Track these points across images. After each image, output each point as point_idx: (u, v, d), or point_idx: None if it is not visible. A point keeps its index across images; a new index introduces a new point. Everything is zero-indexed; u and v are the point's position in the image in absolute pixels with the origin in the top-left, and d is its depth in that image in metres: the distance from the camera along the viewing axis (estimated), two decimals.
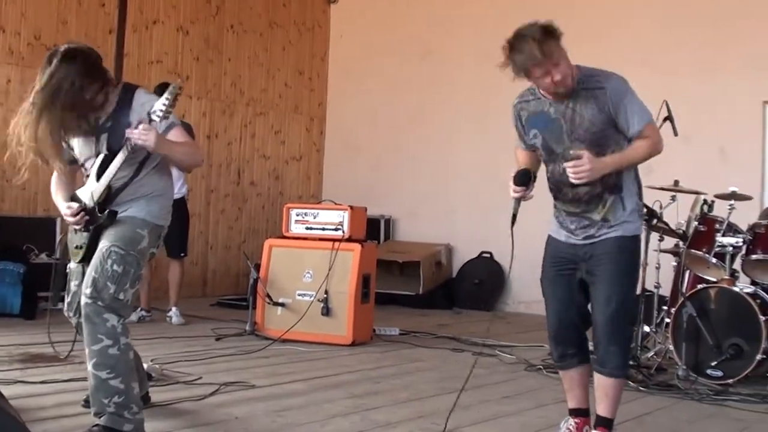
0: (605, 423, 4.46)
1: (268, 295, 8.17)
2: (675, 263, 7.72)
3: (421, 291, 11.41)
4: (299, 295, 8.10)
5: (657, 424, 5.46)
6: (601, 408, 4.46)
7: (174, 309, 8.85)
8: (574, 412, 4.64)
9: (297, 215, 8.43)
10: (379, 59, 12.77)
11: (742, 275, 7.29)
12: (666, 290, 7.71)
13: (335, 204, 8.49)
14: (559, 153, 4.40)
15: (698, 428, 5.46)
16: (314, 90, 13.28)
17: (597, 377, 4.44)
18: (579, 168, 4.23)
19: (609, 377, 4.40)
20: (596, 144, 4.30)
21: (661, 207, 7.43)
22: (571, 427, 4.60)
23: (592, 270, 4.41)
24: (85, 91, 4.37)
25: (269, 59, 12.53)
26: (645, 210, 7.13)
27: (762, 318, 6.57)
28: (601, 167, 4.25)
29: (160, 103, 4.33)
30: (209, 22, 11.71)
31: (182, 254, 9.01)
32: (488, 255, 11.59)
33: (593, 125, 4.30)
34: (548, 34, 4.20)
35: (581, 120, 4.31)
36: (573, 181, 4.27)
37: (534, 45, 4.15)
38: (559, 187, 4.48)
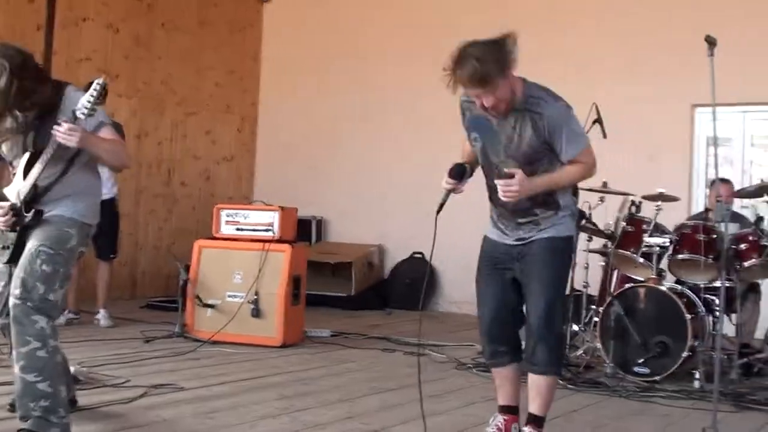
0: (537, 421, 4.53)
1: (198, 297, 8.14)
2: (603, 263, 7.87)
3: (353, 292, 11.44)
4: (229, 296, 8.08)
5: (584, 421, 5.57)
6: (534, 406, 4.52)
7: (102, 311, 8.76)
8: (503, 409, 4.70)
9: (227, 216, 8.41)
10: (312, 59, 12.77)
11: (668, 275, 7.45)
12: (594, 290, 7.85)
13: (266, 205, 8.49)
14: (495, 163, 4.46)
15: (625, 424, 5.57)
16: (246, 90, 13.24)
17: (530, 376, 4.51)
18: (509, 188, 4.30)
19: (542, 375, 4.48)
20: (529, 162, 4.36)
21: (590, 208, 7.59)
22: (499, 424, 4.65)
23: (525, 270, 4.48)
24: (13, 88, 4.33)
25: (200, 58, 12.45)
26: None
27: (687, 316, 6.75)
28: (531, 187, 4.31)
29: (84, 100, 4.29)
30: (140, 19, 11.60)
31: (112, 255, 8.93)
32: (420, 255, 11.65)
33: (530, 147, 4.35)
34: (494, 53, 4.21)
35: (519, 140, 4.36)
36: (502, 198, 4.34)
37: (472, 69, 4.17)
38: (494, 193, 4.51)
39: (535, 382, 4.50)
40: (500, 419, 4.68)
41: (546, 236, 4.46)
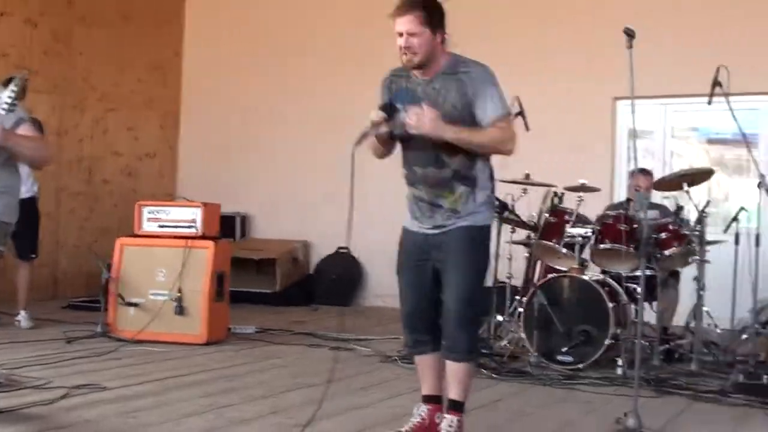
0: (457, 407, 4.57)
1: (120, 296, 8.06)
2: (527, 254, 7.98)
3: (278, 288, 11.43)
4: (152, 294, 8.01)
5: (509, 409, 5.64)
6: (453, 392, 4.56)
7: (23, 312, 8.63)
8: (426, 399, 4.73)
9: (149, 213, 8.33)
10: (235, 55, 12.71)
11: (591, 264, 7.57)
12: (518, 281, 7.95)
13: (188, 201, 8.43)
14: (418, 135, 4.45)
15: (548, 411, 5.67)
16: (169, 86, 13.12)
17: (448, 363, 4.54)
18: (421, 115, 4.33)
19: (459, 362, 4.51)
20: (451, 123, 4.36)
21: (513, 200, 7.69)
22: (423, 414, 4.69)
23: (443, 259, 4.50)
24: None
25: (122, 53, 12.28)
26: (497, 203, 7.34)
27: (610, 305, 6.87)
28: (442, 127, 4.32)
29: (5, 96, 4.24)
30: (59, 14, 11.42)
31: (32, 255, 8.80)
32: (345, 251, 11.67)
33: (454, 109, 4.38)
34: (431, 4, 4.40)
35: (444, 102, 4.40)
36: (411, 128, 4.35)
37: (409, 5, 4.36)
38: (411, 168, 4.55)
39: (453, 369, 4.53)
40: (424, 409, 4.71)
41: (464, 225, 4.48)
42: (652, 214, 7.64)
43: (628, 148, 10.67)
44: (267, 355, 7.48)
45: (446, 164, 4.44)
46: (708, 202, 7.36)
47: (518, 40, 10.84)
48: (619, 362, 6.82)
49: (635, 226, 7.12)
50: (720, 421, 5.49)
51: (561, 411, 5.66)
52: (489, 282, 7.64)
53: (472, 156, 4.46)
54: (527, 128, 7.28)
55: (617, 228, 7.17)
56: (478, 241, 4.54)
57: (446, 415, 4.57)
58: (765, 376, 6.40)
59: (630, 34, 5.09)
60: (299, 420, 5.05)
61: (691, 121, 10.93)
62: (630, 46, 5.08)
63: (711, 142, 11.05)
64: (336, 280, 11.68)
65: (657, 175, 8.67)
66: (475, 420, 5.10)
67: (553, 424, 5.25)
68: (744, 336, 7.75)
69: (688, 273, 7.77)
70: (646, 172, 8.32)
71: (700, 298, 7.32)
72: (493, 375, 6.60)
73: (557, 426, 5.20)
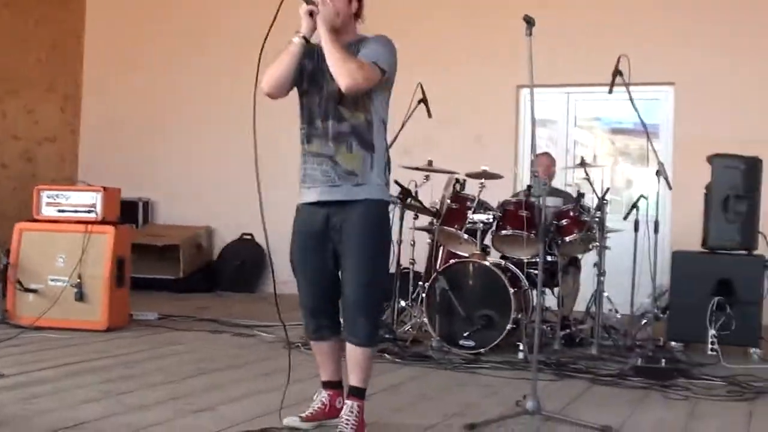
0: (358, 392, 4.58)
1: (19, 282, 7.93)
2: (429, 240, 8.05)
3: (182, 275, 11.38)
4: (52, 280, 7.90)
5: (409, 393, 5.71)
6: (354, 378, 4.57)
7: None
8: (326, 385, 4.76)
9: (48, 197, 8.20)
10: (137, 37, 12.56)
11: (492, 250, 7.69)
12: (421, 266, 8.03)
13: (89, 186, 8.33)
14: (323, 85, 4.48)
15: (449, 394, 5.75)
16: (70, 67, 12.91)
17: (348, 348, 4.54)
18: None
19: (359, 347, 4.51)
20: None
21: (416, 186, 7.74)
22: (324, 399, 4.72)
23: (341, 240, 4.47)
24: None
25: (21, 34, 12.06)
26: (401, 191, 7.43)
27: (511, 290, 6.99)
28: (331, 20, 4.40)
29: None
30: None
31: None
32: (249, 236, 11.65)
33: None
34: None
35: None
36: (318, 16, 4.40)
37: None
38: (311, 121, 4.53)
39: (353, 353, 4.53)
40: (324, 395, 4.74)
41: (362, 198, 4.43)
42: (555, 201, 7.79)
43: (532, 136, 10.82)
44: (169, 342, 7.44)
45: (345, 118, 4.44)
46: (607, 190, 7.56)
47: (421, 27, 10.91)
48: (521, 347, 6.96)
49: (536, 212, 7.25)
50: (618, 403, 5.62)
51: (462, 394, 5.74)
52: (392, 268, 7.75)
53: (369, 119, 4.47)
54: (429, 115, 7.37)
55: (518, 214, 7.29)
56: (378, 219, 4.52)
57: (347, 401, 4.60)
58: (663, 360, 6.62)
59: (529, 21, 5.15)
60: (200, 405, 5.06)
61: (594, 110, 11.15)
62: (529, 34, 5.14)
63: (614, 131, 11.29)
64: (240, 266, 11.66)
65: (560, 164, 8.86)
66: (377, 404, 5.17)
67: (454, 406, 5.32)
68: (644, 321, 8.01)
69: (589, 259, 7.96)
70: (545, 156, 8.49)
71: (600, 283, 7.53)
72: (395, 360, 6.69)
73: (458, 409, 5.27)
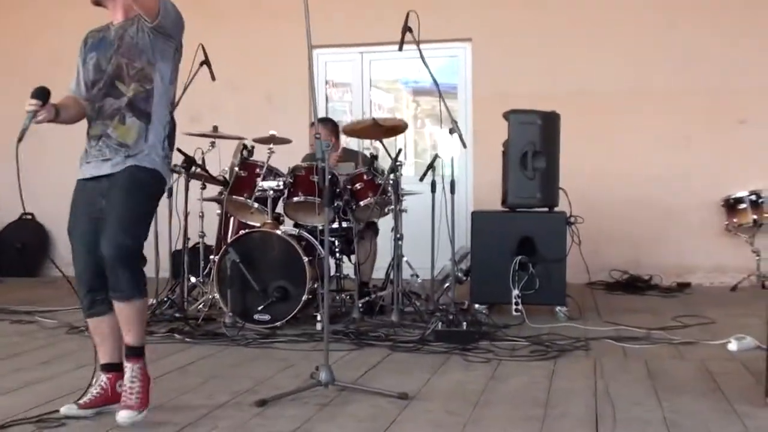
0: (135, 352, 4.56)
1: None
2: (219, 211, 7.98)
3: None
4: None
5: (200, 372, 5.69)
6: (128, 338, 4.54)
7: None
8: (105, 368, 4.70)
9: None
10: None
11: (286, 219, 7.71)
12: (213, 240, 7.98)
13: None
14: (105, 70, 4.64)
15: (242, 370, 5.75)
16: None
17: (116, 306, 4.52)
18: None
19: (126, 301, 4.49)
20: (130, 55, 4.61)
21: (203, 153, 7.66)
22: (103, 384, 4.65)
23: (105, 202, 4.55)
24: None
25: None
26: (184, 159, 7.36)
27: (305, 259, 7.02)
28: None
29: None
30: None
31: None
32: (30, 216, 11.33)
33: (131, 38, 4.61)
34: None
35: (124, 35, 4.64)
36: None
37: None
38: (93, 103, 4.67)
39: (122, 309, 4.51)
40: (104, 378, 4.67)
41: (129, 165, 4.55)
42: (346, 165, 7.87)
43: (326, 99, 10.93)
44: None
45: (123, 93, 4.59)
46: (399, 151, 7.57)
47: None
48: (318, 317, 7.01)
49: (329, 177, 7.28)
50: (417, 369, 5.72)
51: (255, 370, 5.74)
52: (179, 243, 7.70)
53: (149, 89, 4.61)
54: (213, 78, 7.30)
55: (309, 180, 7.32)
56: (140, 183, 4.57)
57: (126, 364, 4.57)
58: (465, 323, 6.76)
59: None
60: None
61: (394, 71, 11.29)
62: None
63: (416, 92, 11.49)
64: (21, 249, 11.34)
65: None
66: (163, 386, 5.17)
67: (246, 383, 5.32)
68: (446, 285, 8.17)
69: (387, 224, 8.04)
70: (328, 121, 8.57)
71: (398, 248, 7.59)
72: (185, 339, 6.65)
73: (250, 385, 5.28)
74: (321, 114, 10.30)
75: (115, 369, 4.70)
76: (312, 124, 8.51)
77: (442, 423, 4.51)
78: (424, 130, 11.57)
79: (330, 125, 8.57)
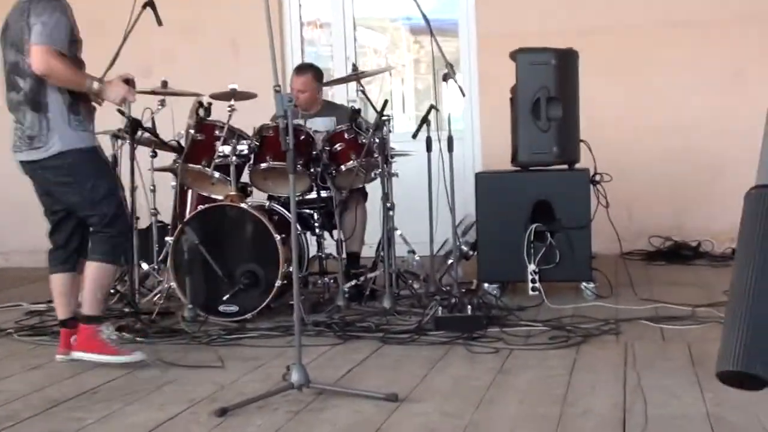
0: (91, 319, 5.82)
1: None
2: (174, 183, 7.78)
3: None
4: None
5: (151, 378, 5.59)
6: (87, 306, 5.81)
7: None
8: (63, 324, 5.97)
9: None
10: None
11: (254, 190, 7.59)
12: (168, 217, 7.86)
13: None
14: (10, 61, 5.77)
15: (202, 374, 5.65)
16: None
17: (88, 266, 5.86)
18: None
19: (99, 263, 5.83)
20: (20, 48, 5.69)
21: (152, 114, 7.39)
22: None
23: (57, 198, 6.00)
24: None
25: None
26: (127, 122, 7.24)
27: (278, 237, 6.91)
28: None
29: None
30: None
31: None
32: None
33: (18, 34, 5.66)
34: None
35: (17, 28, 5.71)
36: None
37: None
38: (6, 93, 5.83)
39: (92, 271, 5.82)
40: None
41: (47, 156, 5.72)
42: (324, 121, 7.76)
43: (301, 43, 10.83)
44: None
45: (21, 87, 5.69)
46: (385, 102, 7.40)
47: None
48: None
49: (302, 137, 7.19)
50: (411, 364, 5.68)
51: (218, 372, 5.66)
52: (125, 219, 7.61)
53: (41, 81, 5.62)
54: (159, 23, 7.17)
55: (279, 141, 7.16)
56: (71, 170, 5.76)
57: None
58: (470, 307, 6.66)
59: None
60: None
61: (382, 7, 11.16)
62: None
63: (415, 31, 11.35)
64: None
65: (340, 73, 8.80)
66: (108, 396, 5.20)
67: (207, 388, 5.27)
68: (449, 261, 8.02)
69: (376, 191, 7.89)
70: (304, 70, 8.43)
71: (389, 220, 7.47)
72: (137, 338, 6.53)
73: (212, 390, 5.22)
74: (297, 61, 10.20)
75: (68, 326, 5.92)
76: (296, 72, 8.39)
77: (436, 428, 4.47)
78: (430, 77, 11.45)
79: (311, 73, 8.43)
